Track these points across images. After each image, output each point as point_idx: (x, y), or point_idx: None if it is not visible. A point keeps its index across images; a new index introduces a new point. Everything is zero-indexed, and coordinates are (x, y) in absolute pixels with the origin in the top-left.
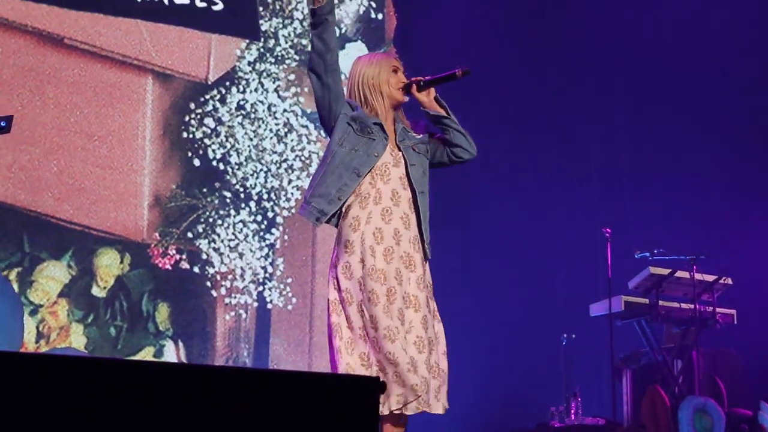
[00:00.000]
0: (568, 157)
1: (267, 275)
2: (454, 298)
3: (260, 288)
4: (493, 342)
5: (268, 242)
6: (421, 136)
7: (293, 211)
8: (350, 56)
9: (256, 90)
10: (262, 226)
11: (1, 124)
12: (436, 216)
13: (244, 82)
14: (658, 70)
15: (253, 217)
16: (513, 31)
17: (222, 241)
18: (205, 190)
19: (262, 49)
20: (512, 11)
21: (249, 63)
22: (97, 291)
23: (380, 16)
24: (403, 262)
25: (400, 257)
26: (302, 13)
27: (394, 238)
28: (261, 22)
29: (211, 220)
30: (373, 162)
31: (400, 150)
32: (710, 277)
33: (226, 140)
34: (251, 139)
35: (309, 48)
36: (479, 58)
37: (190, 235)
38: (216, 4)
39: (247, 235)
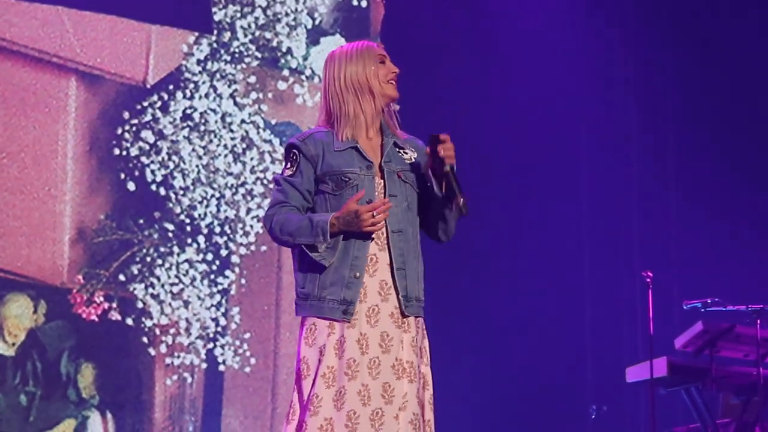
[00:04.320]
0: (601, 187)
1: (219, 329)
2: (458, 361)
3: (210, 345)
4: (507, 415)
5: (220, 287)
6: (414, 158)
7: (252, 248)
8: (326, 53)
9: (206, 95)
10: (214, 267)
11: None
12: (440, 261)
13: (191, 86)
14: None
15: (202, 256)
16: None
17: (162, 286)
18: (141, 221)
19: (215, 45)
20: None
21: (198, 62)
22: (3, 348)
23: (364, 4)
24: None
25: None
26: None
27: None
28: (214, 10)
29: (148, 259)
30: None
31: (382, 176)
32: None
33: (169, 159)
34: (200, 158)
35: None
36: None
37: (122, 278)
38: None
39: (194, 279)
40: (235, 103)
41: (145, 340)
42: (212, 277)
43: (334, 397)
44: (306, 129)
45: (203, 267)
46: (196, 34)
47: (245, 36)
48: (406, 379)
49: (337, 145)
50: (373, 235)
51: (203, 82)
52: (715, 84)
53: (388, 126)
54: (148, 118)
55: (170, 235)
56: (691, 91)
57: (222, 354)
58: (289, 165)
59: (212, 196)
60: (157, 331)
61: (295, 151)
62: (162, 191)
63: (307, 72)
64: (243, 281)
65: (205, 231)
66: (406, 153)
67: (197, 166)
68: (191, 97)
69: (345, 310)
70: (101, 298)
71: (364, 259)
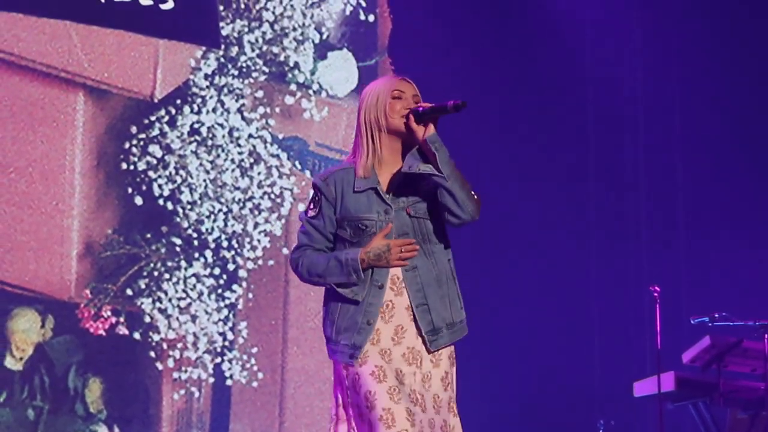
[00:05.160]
0: (609, 201)
1: (226, 343)
2: (465, 375)
3: (218, 360)
4: (515, 430)
5: (228, 302)
6: (428, 186)
7: (259, 262)
8: (334, 68)
9: (214, 110)
10: (221, 282)
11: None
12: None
13: (199, 100)
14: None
15: (209, 270)
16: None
17: (170, 301)
18: (149, 236)
19: (222, 59)
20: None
21: (206, 76)
22: (11, 363)
23: (371, 18)
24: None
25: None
26: (273, 13)
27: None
28: (221, 25)
29: (156, 273)
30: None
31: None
32: None
33: (176, 173)
34: (208, 172)
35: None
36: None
37: (129, 292)
38: (165, 1)
39: (201, 293)
40: (243, 118)
41: (152, 354)
42: (219, 291)
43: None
44: (313, 144)
45: (210, 281)
46: (204, 48)
47: (253, 50)
48: (419, 407)
49: (358, 184)
50: (388, 283)
51: (211, 97)
52: (723, 96)
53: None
54: (156, 132)
55: (177, 249)
56: (699, 105)
57: (229, 368)
58: (312, 206)
59: (219, 210)
60: (165, 346)
61: (317, 193)
62: (169, 206)
63: (315, 86)
64: (250, 296)
65: (213, 245)
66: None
67: (205, 180)
68: (199, 112)
69: (351, 354)
70: (109, 313)
71: (378, 305)
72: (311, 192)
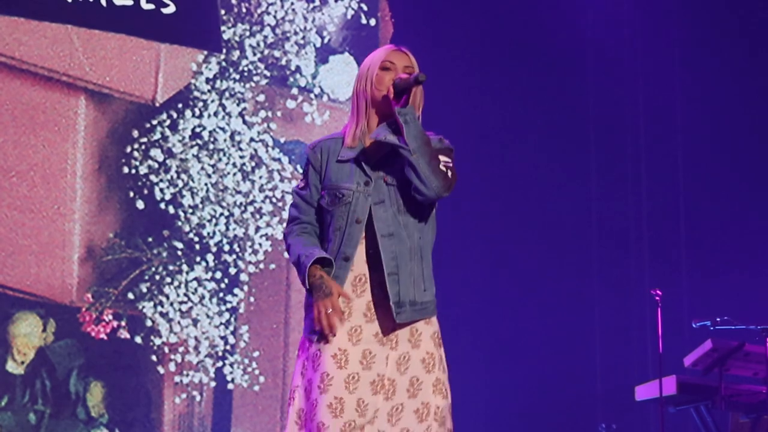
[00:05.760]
0: (610, 205)
1: (228, 347)
2: (465, 378)
3: (219, 363)
4: None
5: (229, 306)
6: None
7: (261, 266)
8: (335, 71)
9: (215, 114)
10: (222, 286)
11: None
12: (447, 278)
13: (200, 104)
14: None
15: (210, 274)
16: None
17: (171, 305)
18: (150, 239)
19: (224, 63)
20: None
21: (207, 80)
22: (13, 367)
23: (373, 22)
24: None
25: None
26: (274, 17)
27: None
28: (223, 29)
29: (157, 277)
30: (358, 235)
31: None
32: None
33: (178, 177)
34: (209, 176)
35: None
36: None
37: (131, 296)
38: (167, 6)
39: (203, 297)
40: (244, 122)
41: (154, 358)
42: (221, 295)
43: (302, 412)
44: None
45: (212, 285)
46: (205, 52)
47: (254, 54)
48: (381, 395)
49: (342, 153)
50: (360, 255)
51: (212, 101)
52: (724, 99)
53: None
54: (157, 136)
55: (179, 253)
56: (701, 107)
57: (231, 372)
58: (302, 176)
59: (221, 214)
60: (166, 350)
61: (306, 163)
62: (171, 209)
63: (316, 90)
64: (252, 299)
65: (214, 249)
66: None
67: (206, 184)
68: (200, 116)
69: (313, 329)
70: (110, 317)
71: (344, 278)
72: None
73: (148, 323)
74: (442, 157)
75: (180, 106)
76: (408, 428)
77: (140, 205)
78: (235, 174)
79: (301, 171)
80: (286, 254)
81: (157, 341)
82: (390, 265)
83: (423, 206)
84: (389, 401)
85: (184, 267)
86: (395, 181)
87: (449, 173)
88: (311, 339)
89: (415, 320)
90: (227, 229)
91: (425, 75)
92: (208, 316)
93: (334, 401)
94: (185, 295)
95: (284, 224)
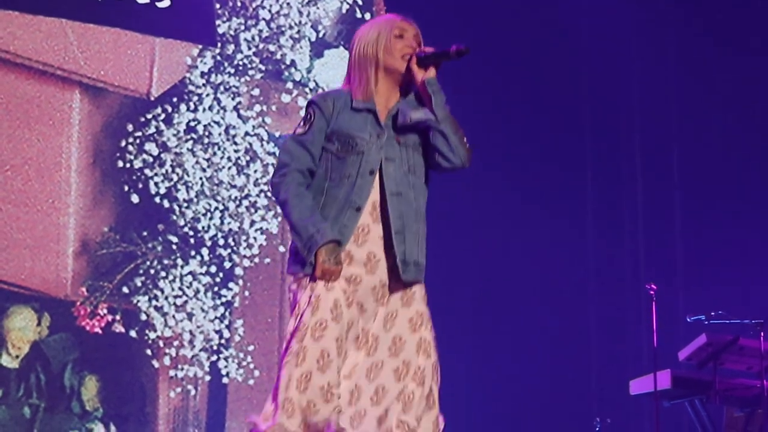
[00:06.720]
0: (606, 199)
1: (223, 341)
2: (461, 373)
3: (214, 357)
4: (511, 428)
5: (224, 300)
6: (420, 116)
7: (256, 260)
8: (330, 66)
9: (210, 108)
10: (217, 280)
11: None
12: (442, 273)
13: (195, 98)
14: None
15: (205, 268)
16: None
17: (166, 299)
18: (145, 233)
19: (218, 57)
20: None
21: (202, 74)
22: (7, 360)
23: (368, 16)
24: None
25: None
26: (269, 11)
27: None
28: (218, 23)
29: (152, 271)
30: (369, 186)
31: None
32: None
33: (173, 171)
34: (204, 170)
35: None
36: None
37: (125, 290)
38: (161, 0)
39: (197, 291)
40: (239, 116)
41: (148, 352)
42: (216, 289)
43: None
44: None
45: (207, 279)
46: (200, 46)
47: (249, 49)
48: (363, 351)
49: (356, 104)
50: (367, 206)
51: (207, 95)
52: (722, 92)
53: (418, 94)
54: (152, 130)
55: (174, 247)
56: (697, 102)
57: (226, 366)
58: (302, 123)
59: (216, 208)
60: (161, 344)
61: (312, 108)
62: (166, 203)
63: (311, 84)
64: (247, 293)
65: (209, 243)
66: (415, 113)
67: (201, 178)
68: (195, 110)
69: (304, 263)
70: (105, 311)
71: (352, 227)
72: (304, 111)
73: (143, 317)
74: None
75: (175, 100)
76: (384, 385)
77: (135, 199)
78: (230, 168)
79: None
80: (275, 197)
81: (152, 335)
82: (397, 224)
83: (428, 171)
84: (370, 357)
85: (179, 261)
86: (408, 142)
87: (467, 146)
88: (309, 278)
89: (418, 280)
90: (222, 223)
91: (468, 48)
92: (202, 310)
93: (298, 347)
94: (180, 289)
95: (279, 219)
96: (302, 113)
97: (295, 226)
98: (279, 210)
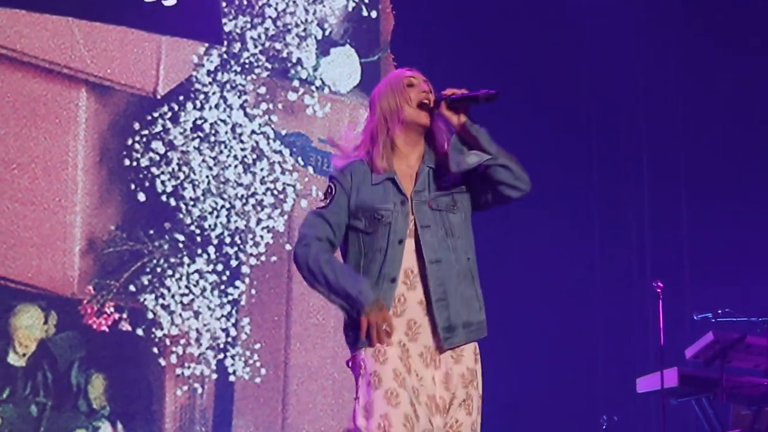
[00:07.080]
0: (612, 198)
1: (229, 339)
2: None
3: (220, 356)
4: (519, 425)
5: (230, 298)
6: (453, 179)
7: (262, 258)
8: (337, 64)
9: (217, 106)
10: (224, 278)
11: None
12: None
13: (202, 97)
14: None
15: (212, 267)
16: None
17: (173, 297)
18: (152, 232)
19: (225, 55)
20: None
21: (209, 72)
22: (14, 359)
23: (374, 14)
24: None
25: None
26: (275, 9)
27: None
28: (224, 21)
29: (159, 270)
30: (400, 256)
31: (411, 207)
32: None
33: (179, 169)
34: (210, 168)
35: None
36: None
37: (132, 288)
38: None
39: (204, 289)
40: (245, 114)
41: (155, 350)
42: (222, 287)
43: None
44: (316, 140)
45: (213, 277)
46: (207, 45)
47: (255, 47)
48: (438, 415)
49: (375, 177)
50: (401, 276)
51: (213, 93)
52: (727, 90)
53: (431, 152)
54: (159, 128)
55: (180, 245)
56: (702, 98)
57: (232, 364)
58: (323, 197)
59: (222, 206)
60: (168, 342)
61: (332, 183)
62: (172, 202)
63: (317, 82)
64: (253, 291)
65: (216, 241)
66: (469, 158)
67: (207, 176)
68: (201, 108)
69: (357, 339)
70: (112, 309)
71: (390, 299)
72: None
73: (150, 315)
74: None
75: (181, 98)
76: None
77: (141, 197)
78: (236, 166)
79: (302, 164)
80: (299, 266)
81: (159, 333)
82: (437, 292)
83: (469, 227)
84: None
85: (186, 259)
86: (441, 205)
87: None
88: (365, 354)
89: (468, 342)
90: (228, 221)
91: (498, 93)
92: (209, 309)
93: (381, 420)
94: (186, 287)
95: (285, 217)
96: (324, 187)
97: (335, 289)
98: (285, 209)
